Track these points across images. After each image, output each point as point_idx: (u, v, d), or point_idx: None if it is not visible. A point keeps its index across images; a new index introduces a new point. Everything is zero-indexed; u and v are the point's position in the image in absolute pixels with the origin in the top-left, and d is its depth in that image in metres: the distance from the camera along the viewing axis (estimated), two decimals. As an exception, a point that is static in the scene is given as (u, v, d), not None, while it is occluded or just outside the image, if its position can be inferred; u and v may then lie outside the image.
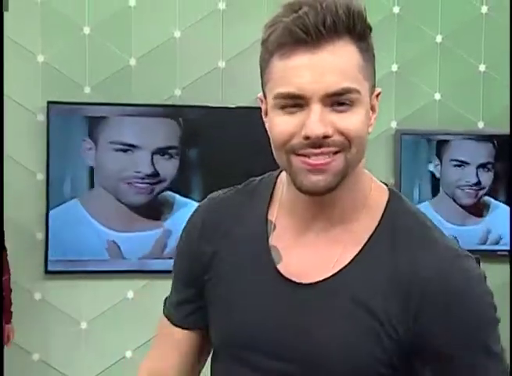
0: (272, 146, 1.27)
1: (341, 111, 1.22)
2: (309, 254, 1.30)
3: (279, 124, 1.23)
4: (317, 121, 1.20)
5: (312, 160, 1.22)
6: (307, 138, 1.21)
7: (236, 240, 1.36)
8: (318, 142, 1.21)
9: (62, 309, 4.43)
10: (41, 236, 4.41)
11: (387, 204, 1.31)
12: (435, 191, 4.69)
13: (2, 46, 3.62)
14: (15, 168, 4.38)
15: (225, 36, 4.54)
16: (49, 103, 4.37)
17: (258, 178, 1.44)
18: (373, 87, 1.27)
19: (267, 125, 1.29)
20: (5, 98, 4.38)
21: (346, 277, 1.27)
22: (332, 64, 1.20)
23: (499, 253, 4.71)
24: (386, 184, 1.37)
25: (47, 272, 4.39)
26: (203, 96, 4.49)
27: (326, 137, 1.21)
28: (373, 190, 1.33)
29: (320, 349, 1.27)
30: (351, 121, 1.22)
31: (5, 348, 4.01)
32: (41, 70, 4.41)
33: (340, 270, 1.28)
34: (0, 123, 3.44)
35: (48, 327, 4.38)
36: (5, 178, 4.17)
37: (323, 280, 1.28)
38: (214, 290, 1.39)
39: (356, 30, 1.23)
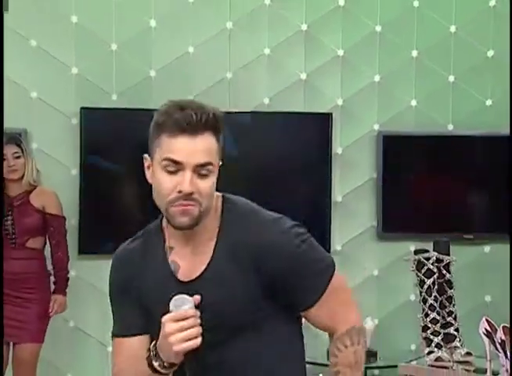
0: (156, 195, 1.68)
1: (202, 178, 1.65)
2: (189, 263, 1.71)
3: (163, 183, 1.65)
4: (188, 182, 1.63)
5: (181, 208, 1.64)
6: (180, 192, 1.63)
7: (148, 269, 1.75)
8: (186, 197, 1.63)
9: (93, 284, 4.45)
10: (75, 221, 4.43)
11: (222, 207, 1.74)
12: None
13: (2, 46, 3.59)
14: (53, 164, 4.44)
15: (232, 51, 4.58)
16: (82, 108, 4.39)
17: (150, 225, 1.82)
18: (219, 163, 1.70)
19: (149, 176, 1.70)
20: (45, 105, 4.42)
21: (213, 265, 1.69)
22: (201, 146, 1.64)
23: (465, 236, 4.74)
24: (220, 192, 1.77)
25: (80, 252, 4.41)
26: (213, 103, 4.49)
27: (191, 193, 1.63)
28: (215, 203, 1.73)
29: (214, 308, 1.67)
30: (206, 185, 1.65)
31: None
32: (75, 80, 4.46)
33: (209, 264, 1.70)
34: (0, 121, 3.42)
35: (82, 299, 4.44)
36: (45, 173, 4.22)
37: (199, 275, 1.70)
38: (143, 305, 1.75)
39: (217, 127, 1.68)
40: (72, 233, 4.42)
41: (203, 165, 1.64)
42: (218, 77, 4.61)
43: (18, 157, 4.02)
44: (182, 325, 1.60)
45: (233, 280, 1.68)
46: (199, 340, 1.61)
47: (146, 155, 1.71)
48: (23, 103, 4.39)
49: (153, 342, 1.68)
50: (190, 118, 1.63)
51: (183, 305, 1.61)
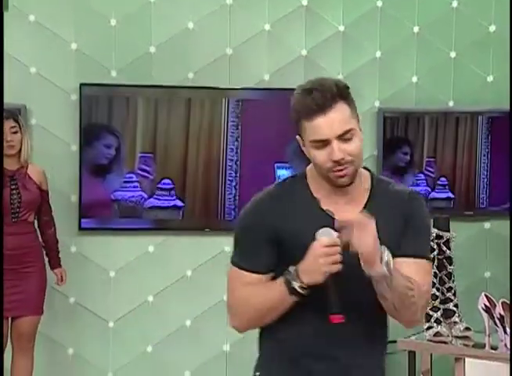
0: (315, 165, 1.99)
1: (347, 142, 1.94)
2: (342, 208, 2.00)
3: (318, 157, 1.96)
4: (337, 151, 1.93)
5: (338, 173, 1.96)
6: (334, 161, 1.93)
7: (294, 211, 2.01)
8: (339, 162, 1.94)
9: (93, 260, 4.47)
10: (75, 198, 4.43)
11: (371, 177, 2.09)
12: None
13: (2, 45, 3.56)
14: (52, 140, 4.45)
15: (232, 27, 4.57)
16: (81, 84, 4.38)
17: (287, 178, 2.12)
18: (358, 119, 1.98)
19: (305, 152, 2.00)
20: (44, 81, 4.42)
21: (367, 211, 1.97)
22: (335, 119, 1.93)
23: (465, 213, 4.75)
24: (368, 170, 2.12)
25: (80, 229, 4.42)
26: (213, 79, 4.50)
27: (342, 159, 1.93)
28: (364, 173, 2.09)
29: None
30: (352, 147, 1.95)
31: (47, 292, 4.10)
32: (75, 56, 4.45)
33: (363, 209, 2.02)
34: (0, 115, 3.40)
35: (82, 275, 4.45)
36: (44, 149, 4.23)
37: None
38: (292, 244, 1.98)
39: (344, 96, 1.95)
40: (72, 209, 4.43)
41: (343, 133, 1.92)
42: (218, 54, 4.59)
43: (15, 132, 4.02)
44: (330, 249, 1.88)
45: (383, 228, 1.92)
46: (340, 265, 1.88)
47: (298, 137, 2.00)
48: (23, 78, 4.38)
49: (289, 267, 1.93)
50: (318, 100, 1.92)
51: (330, 235, 1.89)
